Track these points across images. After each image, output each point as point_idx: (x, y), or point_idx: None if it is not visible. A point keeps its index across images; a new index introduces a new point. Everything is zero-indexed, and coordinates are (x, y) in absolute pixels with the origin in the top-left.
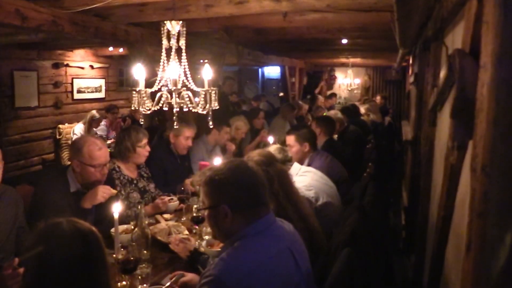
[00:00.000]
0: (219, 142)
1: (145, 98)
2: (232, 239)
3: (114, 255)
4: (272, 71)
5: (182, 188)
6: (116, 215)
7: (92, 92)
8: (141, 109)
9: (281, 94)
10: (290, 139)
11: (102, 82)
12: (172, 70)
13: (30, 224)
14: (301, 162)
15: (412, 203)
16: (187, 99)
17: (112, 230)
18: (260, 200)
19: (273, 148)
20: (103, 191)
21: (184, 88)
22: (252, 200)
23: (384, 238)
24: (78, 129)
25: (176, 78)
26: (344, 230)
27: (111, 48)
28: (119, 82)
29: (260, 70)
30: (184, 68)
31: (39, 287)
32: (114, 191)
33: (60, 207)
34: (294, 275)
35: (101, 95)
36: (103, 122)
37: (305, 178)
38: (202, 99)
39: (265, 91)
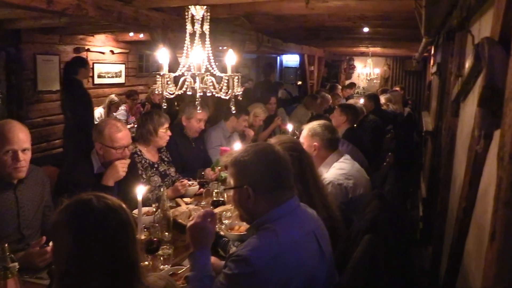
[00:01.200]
0: (237, 129)
1: (169, 82)
2: (257, 222)
3: (137, 236)
4: (291, 60)
5: (203, 173)
6: (139, 197)
7: (112, 77)
8: (164, 93)
9: (299, 82)
10: None
11: (122, 67)
12: (196, 55)
13: (55, 204)
14: None
15: (430, 194)
16: (211, 84)
17: (135, 211)
18: (283, 184)
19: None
20: (122, 166)
21: (208, 73)
22: (274, 184)
23: (403, 227)
24: (98, 113)
25: (200, 63)
26: (365, 217)
27: (131, 34)
28: (138, 68)
29: (278, 58)
30: (208, 53)
31: (75, 266)
32: (129, 160)
33: (83, 188)
34: (318, 258)
35: (121, 80)
36: (122, 107)
37: (347, 165)
38: (225, 85)
39: (283, 80)
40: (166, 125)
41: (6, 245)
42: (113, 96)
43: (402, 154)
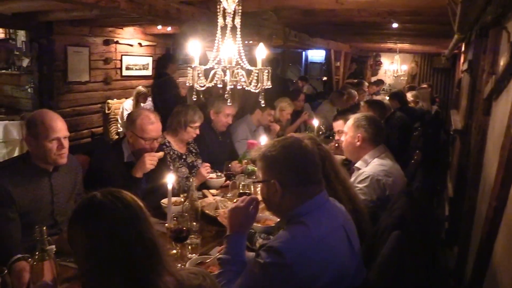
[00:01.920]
0: (261, 122)
1: (200, 75)
2: (288, 216)
3: (167, 224)
4: (316, 55)
5: (229, 165)
6: (170, 186)
7: (140, 69)
8: (195, 85)
9: (324, 78)
10: (339, 124)
11: (149, 60)
12: (227, 49)
13: (86, 192)
14: None
15: (457, 194)
16: (241, 77)
17: (163, 200)
18: (310, 179)
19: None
20: (150, 159)
21: (238, 66)
22: (301, 179)
23: (430, 226)
24: (127, 104)
25: (231, 56)
26: (393, 214)
27: (159, 27)
28: None
29: (304, 53)
30: (238, 47)
31: (93, 262)
32: (161, 153)
33: (113, 176)
34: (348, 252)
35: (148, 72)
36: (149, 98)
37: (388, 163)
38: (255, 78)
39: (308, 75)
40: (197, 124)
41: (44, 228)
42: (140, 87)
43: (429, 153)
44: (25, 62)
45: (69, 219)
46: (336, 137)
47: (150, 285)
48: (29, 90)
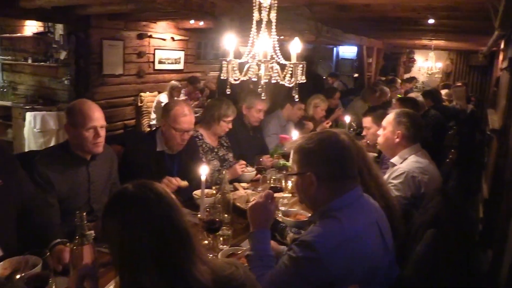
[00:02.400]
0: (291, 117)
1: (234, 68)
2: (321, 210)
3: (199, 215)
4: (347, 51)
5: (260, 160)
6: (203, 178)
7: (172, 63)
8: (230, 79)
9: (356, 75)
10: (367, 121)
11: (181, 54)
12: (262, 43)
13: (120, 181)
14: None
15: (493, 195)
16: (276, 71)
17: (195, 192)
18: (346, 173)
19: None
20: (167, 183)
21: (273, 61)
22: (338, 172)
23: (465, 226)
24: (163, 98)
25: (266, 51)
26: (427, 212)
27: (192, 21)
28: (196, 55)
29: (335, 49)
30: (273, 41)
31: (128, 252)
32: (184, 183)
33: (146, 166)
34: (381, 249)
35: (180, 66)
36: (182, 91)
37: (425, 161)
38: (289, 73)
39: (339, 71)
40: (230, 118)
41: (84, 213)
42: (174, 82)
43: (464, 152)
44: (63, 55)
45: (103, 211)
46: (364, 133)
47: (185, 273)
48: (65, 82)
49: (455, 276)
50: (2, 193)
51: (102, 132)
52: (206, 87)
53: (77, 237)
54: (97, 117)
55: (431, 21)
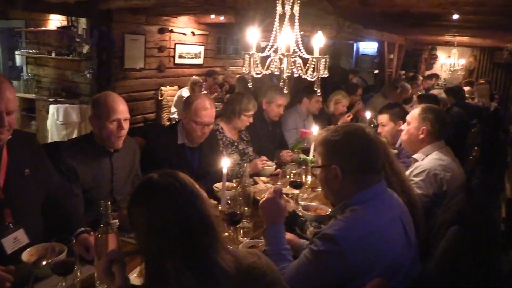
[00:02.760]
0: (311, 110)
1: (257, 62)
2: (344, 204)
3: (220, 207)
4: (368, 47)
5: (280, 154)
6: (225, 170)
7: (192, 58)
8: (252, 72)
9: (376, 71)
10: (383, 118)
11: (201, 48)
12: (285, 37)
13: (142, 173)
14: (395, 141)
15: None
16: (298, 65)
17: (216, 185)
18: (372, 166)
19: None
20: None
21: (296, 55)
22: (363, 166)
23: (489, 224)
24: (185, 92)
25: (289, 45)
26: (450, 209)
27: (212, 16)
28: (216, 50)
29: (355, 45)
30: (296, 35)
31: (153, 240)
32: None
33: (167, 158)
34: (404, 244)
35: (200, 61)
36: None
37: (447, 158)
38: (312, 67)
39: (359, 67)
40: (251, 112)
41: (109, 202)
42: (195, 77)
43: (487, 151)
44: (85, 49)
45: (129, 200)
46: (379, 130)
47: (209, 261)
48: (88, 75)
49: (477, 274)
50: (30, 182)
51: (126, 125)
52: (226, 82)
53: (102, 225)
54: (121, 109)
55: (455, 16)
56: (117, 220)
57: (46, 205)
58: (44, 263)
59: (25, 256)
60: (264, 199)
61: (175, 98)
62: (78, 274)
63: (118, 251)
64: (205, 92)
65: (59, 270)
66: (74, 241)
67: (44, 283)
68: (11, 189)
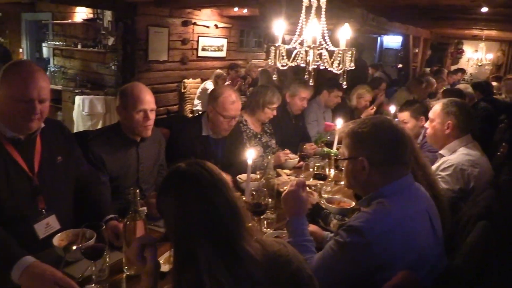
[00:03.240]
0: (328, 103)
1: (283, 54)
2: (370, 196)
3: (244, 198)
4: (392, 41)
5: (304, 147)
6: (249, 162)
7: (215, 50)
8: (278, 64)
9: (400, 65)
10: (404, 115)
11: (224, 41)
12: (312, 29)
13: (168, 163)
14: (416, 138)
15: None
16: (324, 57)
17: (239, 176)
18: (399, 159)
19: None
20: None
21: (322, 47)
22: (391, 157)
23: None
24: (210, 85)
25: (315, 37)
26: (478, 205)
27: (236, 9)
28: (239, 43)
29: (379, 38)
30: (322, 27)
31: (182, 228)
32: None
33: (191, 149)
34: (430, 237)
35: (222, 54)
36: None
37: (476, 153)
38: (338, 59)
39: (382, 61)
40: (275, 105)
41: (137, 190)
42: (218, 70)
43: None
44: (111, 41)
45: (159, 189)
46: None
47: (237, 247)
48: (113, 67)
49: (504, 269)
50: (62, 169)
51: (152, 115)
52: (248, 75)
53: (130, 212)
54: (148, 100)
55: (484, 9)
56: (145, 208)
57: (76, 192)
58: (74, 247)
59: (56, 241)
60: (286, 191)
61: (198, 91)
62: (107, 259)
63: (151, 236)
64: (228, 83)
65: (89, 255)
66: (104, 226)
67: (75, 267)
68: (44, 176)
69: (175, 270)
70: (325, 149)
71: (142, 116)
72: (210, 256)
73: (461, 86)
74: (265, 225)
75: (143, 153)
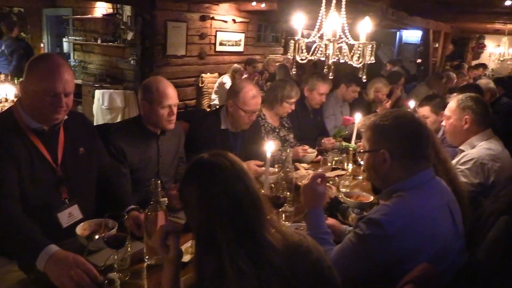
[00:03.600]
0: (345, 97)
1: (302, 48)
2: (391, 189)
3: (263, 191)
4: (411, 35)
5: (322, 141)
6: (268, 155)
7: (232, 45)
8: (297, 58)
9: (419, 60)
10: (425, 110)
11: (241, 36)
12: (332, 22)
13: (187, 156)
14: (437, 132)
15: None
16: (344, 51)
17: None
18: (421, 152)
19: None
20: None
21: (342, 40)
22: (413, 150)
23: None
24: (226, 79)
25: (336, 30)
26: (500, 200)
27: (254, 3)
28: (257, 37)
29: (398, 33)
30: (342, 21)
31: (205, 216)
32: None
33: (210, 142)
34: (452, 232)
35: (240, 48)
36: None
37: (497, 147)
38: (358, 53)
39: (401, 56)
40: (294, 99)
41: (159, 181)
42: (236, 65)
43: None
44: (130, 36)
45: (182, 178)
46: None
47: (259, 236)
48: (132, 62)
49: None
50: (84, 161)
51: (175, 110)
52: (265, 70)
53: (151, 203)
54: (172, 95)
55: (508, 2)
56: (166, 199)
57: (98, 183)
58: (97, 237)
59: (79, 230)
60: (304, 184)
61: (216, 85)
62: (129, 248)
63: (174, 224)
64: (245, 76)
65: (111, 243)
66: (126, 216)
67: (97, 256)
68: (67, 167)
69: (197, 258)
70: (344, 143)
71: (168, 111)
72: (232, 244)
73: (482, 81)
74: (284, 218)
75: (163, 146)
